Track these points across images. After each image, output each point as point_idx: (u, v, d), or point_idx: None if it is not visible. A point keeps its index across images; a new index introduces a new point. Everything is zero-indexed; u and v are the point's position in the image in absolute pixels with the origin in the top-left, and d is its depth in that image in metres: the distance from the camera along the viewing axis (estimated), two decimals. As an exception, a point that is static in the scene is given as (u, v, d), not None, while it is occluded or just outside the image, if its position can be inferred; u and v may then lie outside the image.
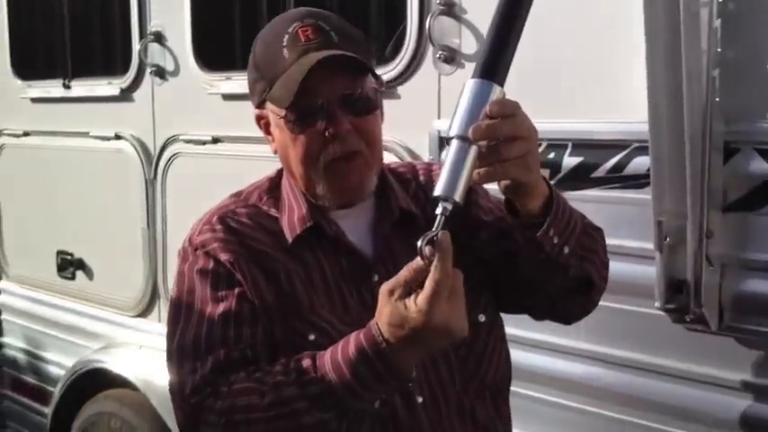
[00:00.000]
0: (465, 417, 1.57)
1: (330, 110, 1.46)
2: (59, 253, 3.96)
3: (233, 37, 3.30)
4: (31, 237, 4.21)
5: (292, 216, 1.57)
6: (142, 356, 3.48)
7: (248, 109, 1.63)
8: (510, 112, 1.29)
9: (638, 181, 1.95)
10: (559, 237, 1.41)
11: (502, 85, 1.29)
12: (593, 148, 2.06)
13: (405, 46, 2.48)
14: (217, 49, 3.27)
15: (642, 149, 1.92)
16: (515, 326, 1.81)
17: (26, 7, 4.19)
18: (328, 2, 2.99)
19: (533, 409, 2.24)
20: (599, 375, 2.14)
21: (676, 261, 1.86)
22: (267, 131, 1.59)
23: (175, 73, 3.33)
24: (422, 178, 1.70)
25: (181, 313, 1.52)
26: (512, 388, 1.69)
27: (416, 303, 1.25)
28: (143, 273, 3.54)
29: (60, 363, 3.98)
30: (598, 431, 2.15)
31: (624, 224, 1.97)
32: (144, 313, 3.60)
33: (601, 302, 1.63)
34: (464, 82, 1.31)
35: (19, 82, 4.13)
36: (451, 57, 2.37)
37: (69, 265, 3.91)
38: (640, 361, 2.06)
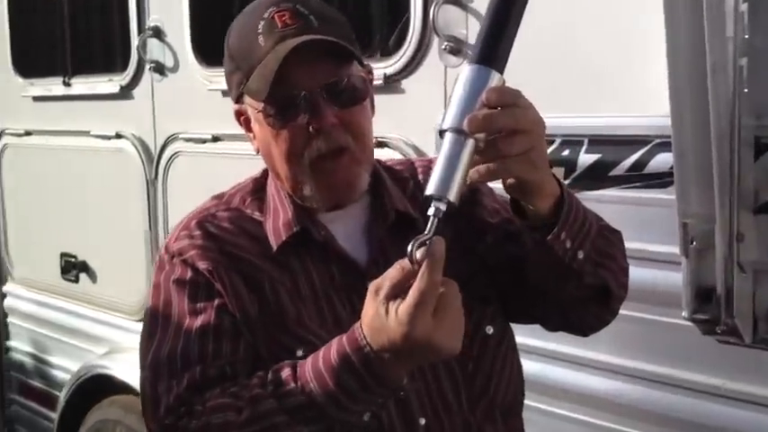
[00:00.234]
0: None
1: (312, 101, 1.38)
2: (63, 255, 3.92)
3: (233, 30, 3.18)
4: (36, 238, 4.17)
5: (277, 220, 1.48)
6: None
7: (249, 105, 1.52)
8: (510, 102, 1.18)
9: (661, 180, 1.88)
10: (572, 240, 1.31)
11: (501, 72, 1.18)
12: (611, 144, 1.98)
13: (408, 37, 2.40)
14: (217, 43, 3.13)
15: (665, 145, 1.83)
16: (528, 335, 1.73)
17: (27, 3, 4.15)
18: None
19: (547, 424, 2.16)
20: (620, 390, 2.05)
21: (704, 267, 1.72)
22: (248, 128, 1.50)
23: (175, 69, 3.25)
24: (420, 176, 1.60)
25: (156, 327, 1.43)
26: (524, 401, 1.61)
27: (397, 312, 1.16)
28: (146, 276, 3.45)
29: (66, 367, 3.94)
30: (619, 450, 2.07)
31: (646, 227, 1.90)
32: (148, 317, 3.49)
33: (622, 311, 1.54)
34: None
35: (20, 80, 4.08)
36: (458, 48, 2.28)
37: (73, 268, 3.86)
38: (666, 375, 1.98)
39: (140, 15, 3.32)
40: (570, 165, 2.02)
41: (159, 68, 3.29)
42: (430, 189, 1.15)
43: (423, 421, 1.43)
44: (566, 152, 2.02)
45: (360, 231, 1.50)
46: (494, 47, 1.19)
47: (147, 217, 3.43)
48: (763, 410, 1.84)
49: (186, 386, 1.35)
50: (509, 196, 1.32)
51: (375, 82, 2.33)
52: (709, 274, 1.73)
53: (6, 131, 4.23)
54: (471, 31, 2.26)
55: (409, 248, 1.15)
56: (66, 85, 3.77)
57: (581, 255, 1.34)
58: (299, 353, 1.38)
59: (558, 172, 1.98)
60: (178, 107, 3.28)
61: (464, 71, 1.19)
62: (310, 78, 1.37)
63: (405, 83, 2.43)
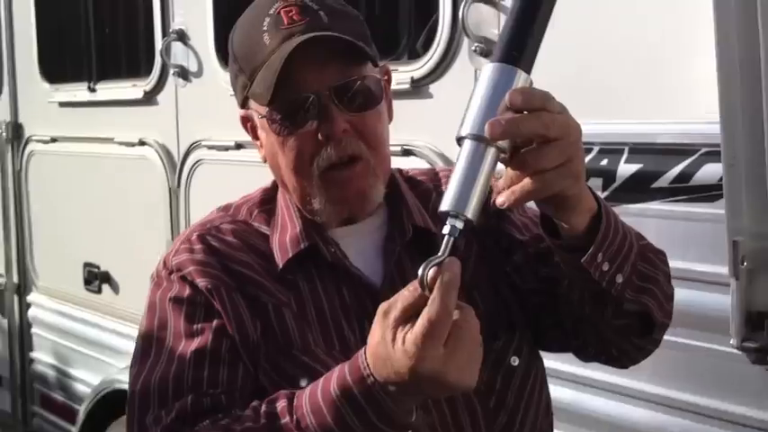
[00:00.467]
0: None
1: (321, 106, 1.29)
2: (86, 265, 3.87)
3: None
4: (60, 248, 4.12)
5: (285, 235, 1.39)
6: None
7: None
8: (538, 104, 1.05)
9: (709, 193, 1.80)
10: (610, 263, 1.19)
11: (528, 72, 1.07)
12: (653, 153, 1.90)
13: (437, 38, 2.32)
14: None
15: (713, 155, 1.76)
16: (558, 359, 1.62)
17: (53, 7, 4.13)
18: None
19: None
20: (662, 422, 1.95)
21: (756, 290, 1.70)
22: (255, 136, 1.42)
23: (199, 74, 3.20)
24: (444, 187, 1.46)
25: (149, 350, 1.35)
26: (556, 432, 1.52)
27: (405, 341, 1.05)
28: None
29: (87, 380, 3.87)
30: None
31: (692, 244, 1.83)
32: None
33: (664, 336, 1.42)
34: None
35: (47, 85, 4.07)
36: (489, 49, 2.19)
37: (95, 279, 3.81)
38: (711, 408, 1.88)
39: (165, 18, 3.28)
40: (609, 176, 1.93)
41: (183, 73, 3.24)
42: (445, 204, 1.05)
43: None
44: (604, 162, 1.94)
45: (374, 248, 1.41)
46: (520, 43, 1.07)
47: (170, 227, 3.37)
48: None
49: (175, 417, 1.26)
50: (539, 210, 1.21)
51: (401, 86, 2.22)
52: (760, 298, 1.71)
53: (33, 138, 4.23)
54: (504, 31, 2.16)
55: (420, 271, 1.05)
56: (91, 90, 3.75)
57: (620, 279, 1.22)
58: (303, 383, 1.28)
59: (596, 184, 1.88)
60: (202, 113, 3.23)
61: (485, 70, 1.08)
62: (319, 80, 1.29)
63: (432, 87, 2.35)
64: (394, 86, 1.46)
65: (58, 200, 4.10)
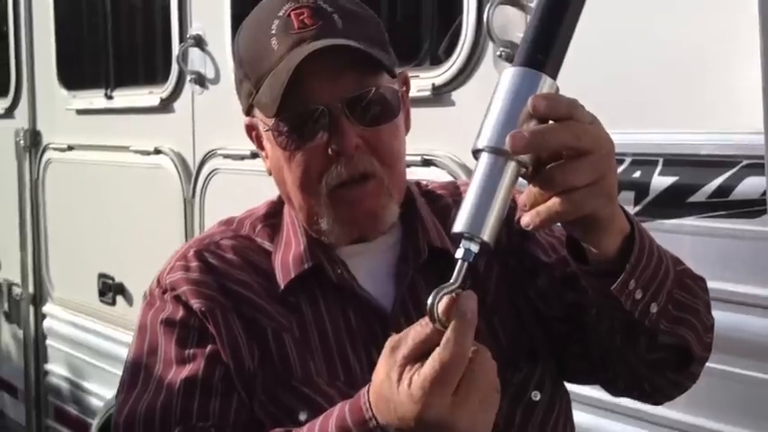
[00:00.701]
0: None
1: (332, 119, 1.20)
2: (101, 276, 3.83)
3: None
4: (76, 258, 4.09)
5: (288, 254, 1.30)
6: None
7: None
8: (564, 112, 0.95)
9: (750, 208, 1.72)
10: (644, 290, 1.09)
11: (554, 77, 0.97)
12: (690, 165, 1.81)
13: (460, 43, 2.25)
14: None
15: (756, 167, 1.69)
16: None
17: (72, 13, 4.12)
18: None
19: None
20: None
21: None
22: (260, 145, 1.33)
23: (216, 80, 3.14)
24: None
25: (137, 376, 1.26)
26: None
27: (411, 384, 0.94)
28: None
29: (101, 394, 3.83)
30: None
31: (732, 263, 1.75)
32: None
33: None
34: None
35: (64, 92, 4.04)
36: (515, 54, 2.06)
37: (109, 290, 3.77)
38: None
39: (182, 24, 3.24)
40: (641, 189, 1.85)
41: (200, 80, 3.19)
42: (458, 225, 0.95)
43: None
44: (636, 174, 1.85)
45: (386, 270, 1.31)
46: (546, 45, 0.97)
47: (184, 239, 3.30)
48: None
49: None
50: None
51: (422, 93, 2.12)
52: (809, 323, 1.61)
53: (50, 146, 4.20)
54: (531, 35, 2.09)
55: (430, 301, 0.94)
56: (108, 97, 3.73)
57: (654, 309, 1.12)
58: (302, 416, 1.20)
59: (628, 197, 1.81)
60: (218, 121, 3.16)
61: (505, 75, 0.98)
62: (330, 91, 1.20)
63: (455, 94, 2.29)
64: (414, 94, 1.38)
65: (73, 209, 4.07)
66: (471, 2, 2.20)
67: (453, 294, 0.94)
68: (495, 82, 0.97)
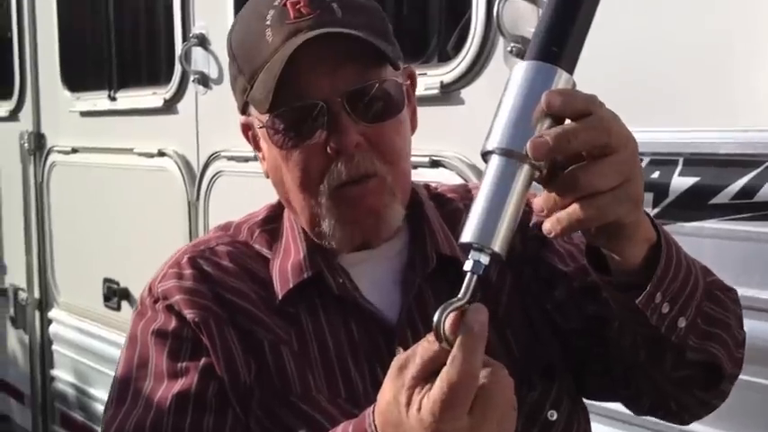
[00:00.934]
0: None
1: (332, 114, 1.14)
2: (106, 281, 3.79)
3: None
4: (81, 262, 4.06)
5: (287, 261, 1.24)
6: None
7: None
8: (582, 108, 0.87)
9: None
10: (671, 304, 1.02)
11: (571, 72, 0.90)
12: (712, 165, 1.76)
13: (469, 39, 2.20)
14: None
15: None
16: None
17: (76, 14, 4.10)
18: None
19: None
20: None
21: None
22: (256, 146, 1.27)
23: (219, 80, 3.09)
24: None
25: (127, 391, 1.20)
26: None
27: (421, 408, 0.86)
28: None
29: (105, 400, 3.73)
30: None
31: (756, 268, 1.69)
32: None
33: None
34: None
35: (68, 94, 4.02)
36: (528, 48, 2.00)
37: (114, 295, 3.73)
38: None
39: (185, 23, 3.19)
40: (660, 190, 1.79)
41: (203, 80, 3.15)
42: (467, 235, 0.88)
43: None
44: (655, 174, 1.80)
45: (391, 278, 1.25)
46: (561, 36, 0.90)
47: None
48: None
49: None
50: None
51: (430, 91, 2.06)
52: (839, 331, 1.52)
53: (54, 149, 4.17)
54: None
55: (435, 319, 0.87)
56: (112, 99, 3.69)
57: (683, 323, 1.04)
58: None
59: (646, 199, 1.74)
60: (222, 122, 3.09)
61: (517, 70, 0.90)
62: (329, 84, 1.13)
63: (464, 92, 2.23)
64: (422, 92, 1.31)
65: (78, 213, 4.04)
66: (480, -4, 2.16)
67: (462, 309, 0.86)
68: (507, 78, 0.90)
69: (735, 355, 1.14)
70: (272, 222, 1.29)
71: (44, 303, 4.33)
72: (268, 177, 1.24)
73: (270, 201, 1.38)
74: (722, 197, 1.73)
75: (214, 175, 3.12)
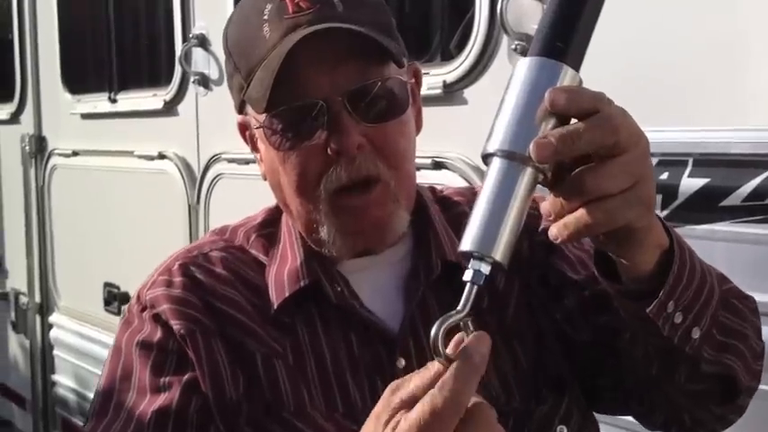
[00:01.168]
0: None
1: (332, 114, 1.09)
2: (106, 285, 3.76)
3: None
4: (81, 266, 4.04)
5: (283, 269, 1.19)
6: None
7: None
8: (588, 107, 0.82)
9: None
10: (685, 313, 0.97)
11: (577, 69, 0.86)
12: (723, 165, 1.73)
13: (472, 37, 2.17)
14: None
15: None
16: None
17: (76, 16, 4.08)
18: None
19: None
20: None
21: None
22: (254, 146, 1.22)
23: (219, 81, 3.05)
24: None
25: (108, 403, 1.16)
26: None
27: (396, 428, 0.80)
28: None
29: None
30: None
31: None
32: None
33: None
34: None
35: (69, 96, 4.00)
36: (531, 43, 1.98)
37: (115, 299, 3.70)
38: None
39: (185, 23, 3.17)
40: (669, 192, 1.76)
41: (204, 81, 3.12)
42: (467, 243, 0.83)
43: None
44: (664, 176, 1.76)
45: (394, 286, 1.20)
46: (566, 31, 0.86)
47: (189, 246, 3.22)
48: None
49: None
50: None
51: (432, 91, 2.04)
52: None
53: (55, 152, 4.15)
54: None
55: (433, 332, 0.81)
56: (112, 101, 3.67)
57: (697, 334, 0.99)
58: None
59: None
60: (222, 124, 3.06)
61: (520, 67, 0.86)
62: (329, 82, 1.09)
63: (467, 92, 2.21)
64: (424, 91, 1.27)
65: (79, 216, 4.02)
66: (483, -7, 2.13)
67: (460, 324, 0.82)
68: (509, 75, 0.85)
69: (752, 368, 1.09)
70: (269, 226, 1.25)
71: (45, 308, 4.32)
72: (266, 180, 1.20)
73: (270, 204, 1.35)
74: (733, 199, 1.69)
75: (215, 178, 3.10)
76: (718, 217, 1.71)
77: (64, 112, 4.00)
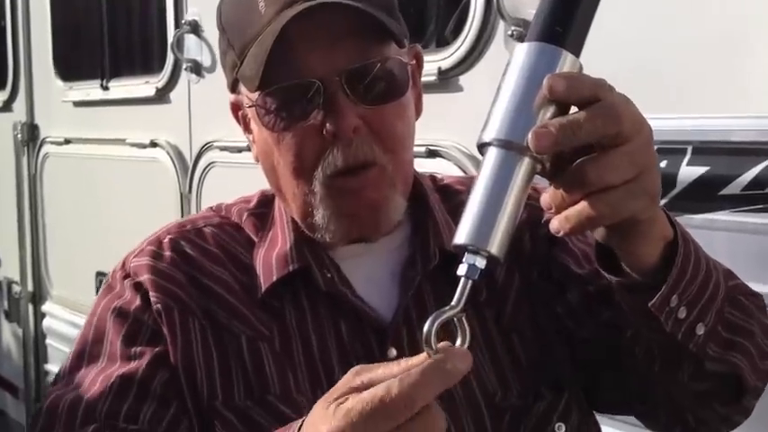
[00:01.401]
0: None
1: (328, 95, 1.06)
2: (98, 274, 3.72)
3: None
4: (73, 255, 4.01)
5: (272, 252, 1.16)
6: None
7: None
8: (588, 94, 0.80)
9: None
10: (689, 308, 0.94)
11: (577, 54, 0.84)
12: (723, 153, 1.71)
13: (468, 23, 2.14)
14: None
15: None
16: None
17: (68, 1, 4.04)
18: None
19: None
20: None
21: None
22: (246, 128, 1.19)
23: (212, 68, 3.02)
24: None
25: (77, 365, 1.14)
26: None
27: (344, 403, 0.78)
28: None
29: None
30: None
31: None
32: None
33: None
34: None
35: (61, 83, 3.97)
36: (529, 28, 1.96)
37: None
38: None
39: (177, 9, 3.14)
40: (668, 181, 1.72)
41: (196, 68, 3.09)
42: (461, 236, 0.81)
43: None
44: (662, 164, 1.70)
45: (389, 275, 1.17)
46: (566, 15, 0.83)
47: (181, 236, 3.20)
48: None
49: None
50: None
51: (427, 78, 2.02)
52: None
53: (47, 140, 4.12)
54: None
55: (426, 328, 0.79)
56: (104, 88, 3.64)
57: (701, 330, 0.96)
58: None
59: None
60: (215, 111, 3.05)
61: (518, 52, 0.84)
62: (326, 62, 1.05)
63: (463, 79, 2.18)
64: None
65: (70, 205, 4.00)
66: (479, -23, 2.09)
67: (454, 320, 0.79)
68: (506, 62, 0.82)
69: (759, 367, 1.06)
70: (263, 207, 1.23)
71: (37, 297, 4.30)
72: (258, 162, 1.17)
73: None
74: (734, 188, 1.67)
75: (207, 167, 3.07)
76: (718, 206, 1.69)
77: (56, 100, 3.97)
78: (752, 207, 1.66)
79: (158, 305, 1.12)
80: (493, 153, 0.81)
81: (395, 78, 1.08)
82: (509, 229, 0.80)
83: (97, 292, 3.60)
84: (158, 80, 3.27)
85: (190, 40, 3.07)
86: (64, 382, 1.13)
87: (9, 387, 4.68)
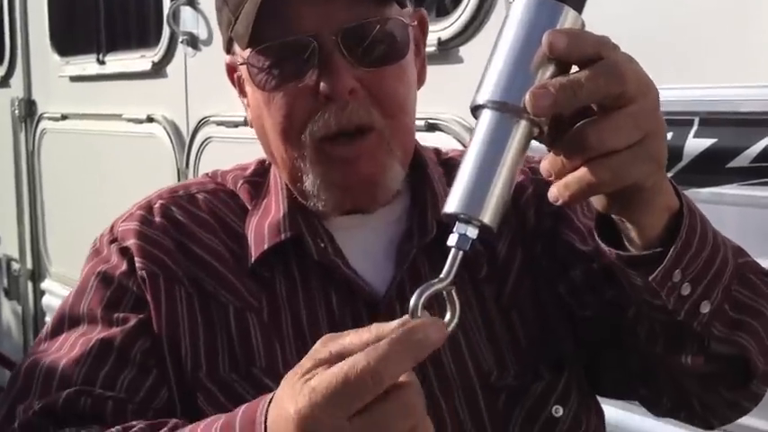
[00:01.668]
0: None
1: (324, 54, 1.01)
2: None
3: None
4: (72, 232, 3.97)
5: (264, 220, 1.13)
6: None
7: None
8: (592, 53, 0.75)
9: None
10: (693, 284, 0.90)
11: (579, 11, 0.79)
12: (731, 124, 1.68)
13: None
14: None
15: None
16: None
17: None
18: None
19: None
20: None
21: None
22: (242, 90, 1.15)
23: (209, 41, 2.98)
24: None
25: (58, 328, 1.12)
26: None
27: (310, 380, 0.73)
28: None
29: None
30: None
31: None
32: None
33: None
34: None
35: (57, 58, 3.93)
36: None
37: None
38: None
39: None
40: (674, 153, 1.68)
41: (192, 41, 3.05)
42: (452, 205, 0.77)
43: None
44: (668, 135, 1.66)
45: (385, 247, 1.13)
46: None
47: (179, 211, 3.17)
48: None
49: (39, 410, 1.02)
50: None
51: (426, 49, 1.95)
52: None
53: (44, 115, 4.09)
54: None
55: (413, 301, 0.75)
56: (101, 63, 3.60)
57: (706, 308, 0.91)
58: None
59: None
60: (212, 85, 2.98)
61: (515, 8, 0.78)
62: (322, 19, 1.00)
63: (463, 49, 2.14)
64: None
65: (68, 181, 3.97)
66: (480, -58, 2.03)
67: (443, 293, 0.75)
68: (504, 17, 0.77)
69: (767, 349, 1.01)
70: (258, 176, 1.19)
71: (37, 274, 4.28)
72: (251, 126, 1.12)
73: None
74: (742, 160, 1.64)
75: (204, 141, 3.04)
76: (726, 179, 1.66)
77: (53, 75, 3.94)
78: (761, 180, 1.62)
79: (143, 272, 1.09)
80: (487, 116, 0.76)
81: (395, 40, 1.04)
82: (503, 198, 0.75)
83: (96, 269, 3.62)
84: (154, 54, 3.23)
85: (186, 12, 3.03)
86: (45, 344, 1.10)
87: (9, 364, 4.67)
